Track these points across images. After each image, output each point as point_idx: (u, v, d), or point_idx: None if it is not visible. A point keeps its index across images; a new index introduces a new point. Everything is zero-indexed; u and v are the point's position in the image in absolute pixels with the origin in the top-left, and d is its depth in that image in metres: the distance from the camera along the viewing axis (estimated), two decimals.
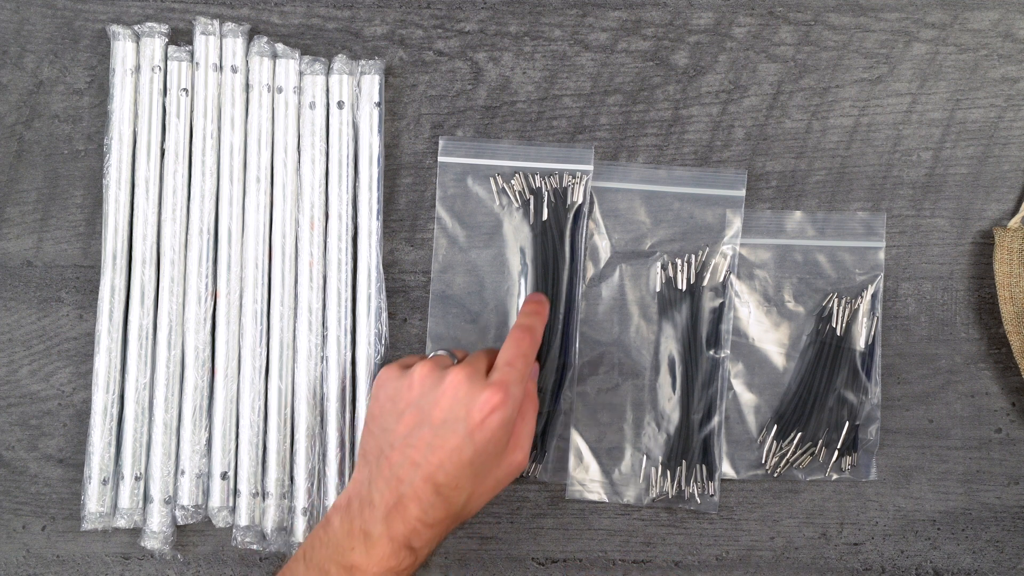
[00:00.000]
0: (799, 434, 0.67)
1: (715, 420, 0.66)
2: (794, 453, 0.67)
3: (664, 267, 0.67)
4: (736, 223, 0.67)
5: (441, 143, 0.67)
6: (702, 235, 0.67)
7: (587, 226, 0.67)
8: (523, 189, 0.67)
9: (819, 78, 0.68)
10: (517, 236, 0.67)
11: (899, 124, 0.68)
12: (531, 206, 0.67)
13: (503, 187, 0.67)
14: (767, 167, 0.68)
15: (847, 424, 0.66)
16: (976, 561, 0.67)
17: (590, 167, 0.67)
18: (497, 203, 0.67)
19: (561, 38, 0.68)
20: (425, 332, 0.67)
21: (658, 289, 0.67)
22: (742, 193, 0.67)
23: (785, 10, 0.68)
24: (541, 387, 0.66)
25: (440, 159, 0.67)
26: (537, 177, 0.67)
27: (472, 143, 0.67)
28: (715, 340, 0.67)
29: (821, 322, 0.67)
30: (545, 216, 0.67)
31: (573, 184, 0.67)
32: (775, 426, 0.67)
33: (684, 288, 0.66)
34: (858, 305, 0.67)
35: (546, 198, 0.67)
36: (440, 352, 0.62)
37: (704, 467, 0.66)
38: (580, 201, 0.67)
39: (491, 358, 0.61)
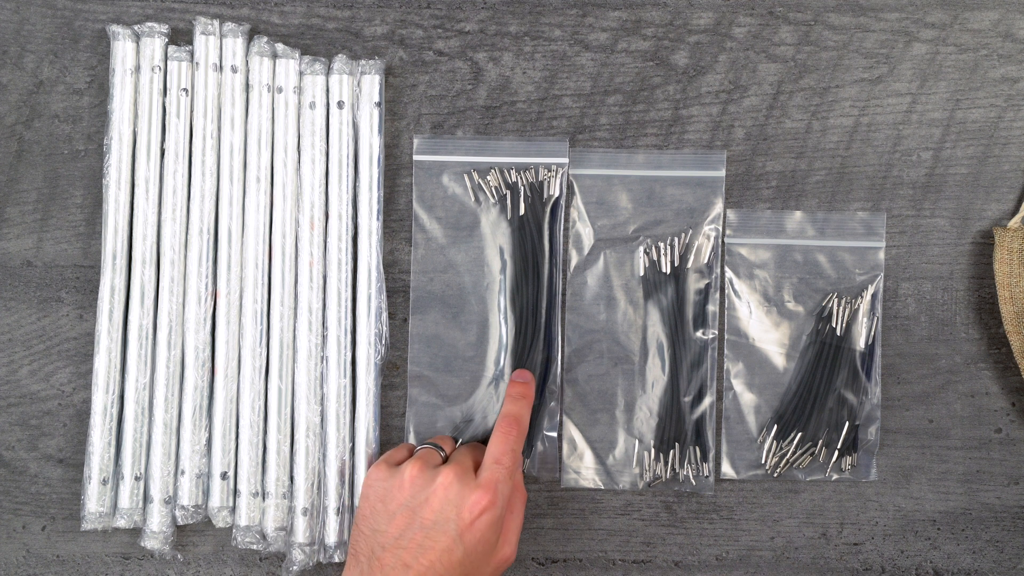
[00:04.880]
0: (799, 434, 0.67)
1: (706, 401, 0.66)
2: (794, 453, 0.67)
3: (647, 251, 0.67)
4: (718, 204, 0.67)
5: (416, 142, 0.67)
6: (684, 218, 0.67)
7: (565, 218, 0.67)
8: (499, 184, 0.67)
9: (819, 78, 0.68)
10: (495, 232, 0.67)
11: (899, 124, 0.68)
12: (508, 201, 0.67)
13: (479, 183, 0.67)
14: (767, 167, 0.68)
15: (847, 424, 0.67)
16: (976, 561, 0.67)
17: (565, 160, 0.67)
18: (473, 199, 0.67)
19: (561, 38, 0.68)
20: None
21: (642, 273, 0.67)
22: (722, 173, 0.67)
23: (785, 10, 0.68)
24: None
25: (415, 157, 0.68)
26: (513, 172, 0.67)
27: (447, 140, 0.68)
28: (702, 321, 0.67)
29: (821, 322, 0.67)
30: (522, 211, 0.67)
31: (549, 177, 0.67)
32: (775, 426, 0.67)
33: (668, 271, 0.67)
34: (858, 305, 0.67)
35: (522, 192, 0.67)
36: (426, 446, 0.63)
37: (698, 449, 0.66)
38: (557, 194, 0.67)
39: (478, 452, 0.63)
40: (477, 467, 0.61)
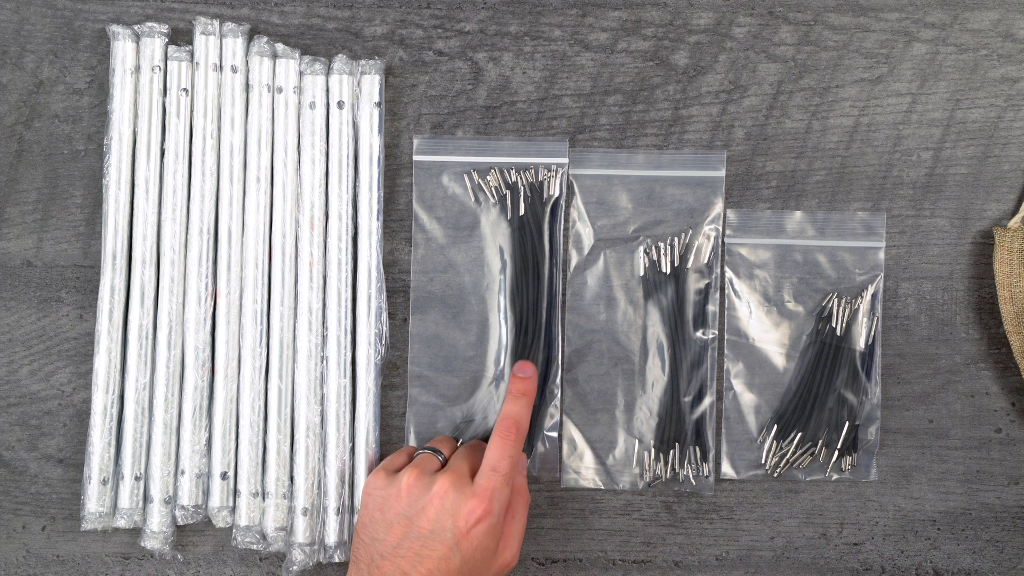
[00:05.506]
0: (799, 434, 0.67)
1: (706, 401, 0.66)
2: (794, 453, 0.67)
3: (647, 251, 0.67)
4: (718, 204, 0.67)
5: (416, 142, 0.67)
6: (684, 218, 0.67)
7: (565, 218, 0.67)
8: (499, 184, 0.67)
9: (819, 78, 0.68)
10: (495, 232, 0.67)
11: (899, 124, 0.68)
12: (508, 201, 0.67)
13: (479, 183, 0.67)
14: (767, 167, 0.68)
15: (847, 424, 0.67)
16: (976, 561, 0.67)
17: (565, 160, 0.67)
18: (473, 200, 0.67)
19: (561, 38, 0.68)
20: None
21: (642, 273, 0.67)
22: (722, 173, 0.67)
23: (785, 10, 0.68)
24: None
25: (415, 158, 0.68)
26: (512, 172, 0.67)
27: (447, 140, 0.68)
28: (702, 321, 0.67)
29: (821, 322, 0.67)
30: (522, 211, 0.67)
31: (549, 177, 0.67)
32: (775, 426, 0.67)
33: (668, 271, 0.67)
34: (858, 305, 0.67)
35: (522, 192, 0.67)
36: (425, 451, 0.62)
37: (698, 449, 0.66)
38: (557, 194, 0.67)
39: (476, 457, 0.62)
40: (476, 470, 0.61)
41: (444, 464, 0.62)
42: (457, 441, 0.66)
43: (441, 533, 0.57)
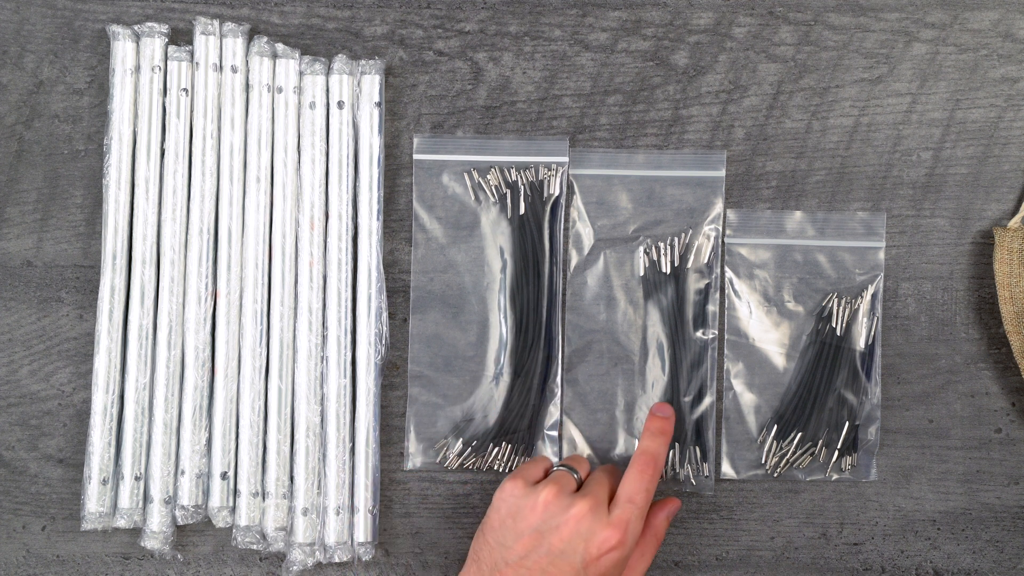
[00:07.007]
0: (799, 434, 0.67)
1: (706, 401, 0.66)
2: (794, 453, 0.67)
3: (647, 251, 0.67)
4: (718, 204, 0.67)
5: (416, 141, 0.67)
6: (684, 218, 0.67)
7: (565, 217, 0.67)
8: (499, 183, 0.67)
9: (819, 78, 0.68)
10: (495, 231, 0.67)
11: (899, 124, 0.68)
12: (508, 200, 0.67)
13: (479, 182, 0.67)
14: (767, 167, 0.68)
15: (847, 424, 0.67)
16: (976, 561, 0.67)
17: (565, 159, 0.67)
18: (473, 199, 0.68)
19: (561, 38, 0.68)
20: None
21: (642, 273, 0.67)
22: (722, 173, 0.67)
23: (785, 10, 0.68)
24: (528, 384, 0.66)
25: (415, 156, 0.68)
26: (513, 171, 0.67)
27: (447, 139, 0.68)
28: (702, 321, 0.67)
29: (821, 322, 0.67)
30: (522, 210, 0.67)
31: (549, 176, 0.67)
32: (775, 426, 0.67)
33: (668, 271, 0.67)
34: (858, 305, 0.67)
35: (522, 192, 0.67)
36: (562, 468, 0.62)
37: (698, 449, 0.66)
38: (557, 193, 0.67)
39: (613, 481, 0.62)
40: (612, 495, 0.60)
41: (580, 484, 0.61)
42: (591, 464, 0.65)
43: (571, 555, 0.57)
